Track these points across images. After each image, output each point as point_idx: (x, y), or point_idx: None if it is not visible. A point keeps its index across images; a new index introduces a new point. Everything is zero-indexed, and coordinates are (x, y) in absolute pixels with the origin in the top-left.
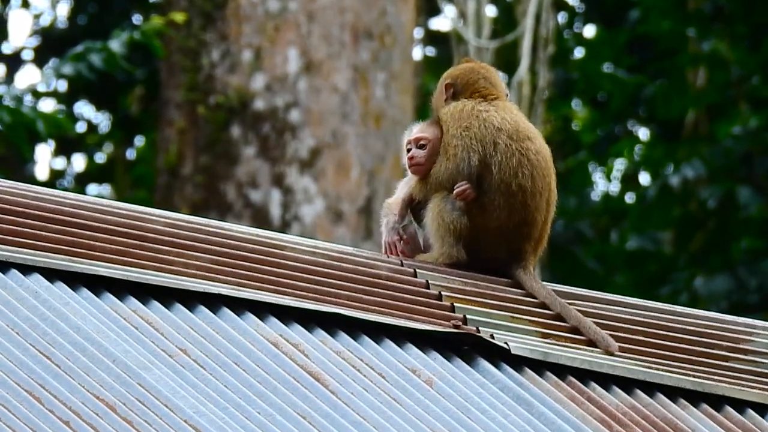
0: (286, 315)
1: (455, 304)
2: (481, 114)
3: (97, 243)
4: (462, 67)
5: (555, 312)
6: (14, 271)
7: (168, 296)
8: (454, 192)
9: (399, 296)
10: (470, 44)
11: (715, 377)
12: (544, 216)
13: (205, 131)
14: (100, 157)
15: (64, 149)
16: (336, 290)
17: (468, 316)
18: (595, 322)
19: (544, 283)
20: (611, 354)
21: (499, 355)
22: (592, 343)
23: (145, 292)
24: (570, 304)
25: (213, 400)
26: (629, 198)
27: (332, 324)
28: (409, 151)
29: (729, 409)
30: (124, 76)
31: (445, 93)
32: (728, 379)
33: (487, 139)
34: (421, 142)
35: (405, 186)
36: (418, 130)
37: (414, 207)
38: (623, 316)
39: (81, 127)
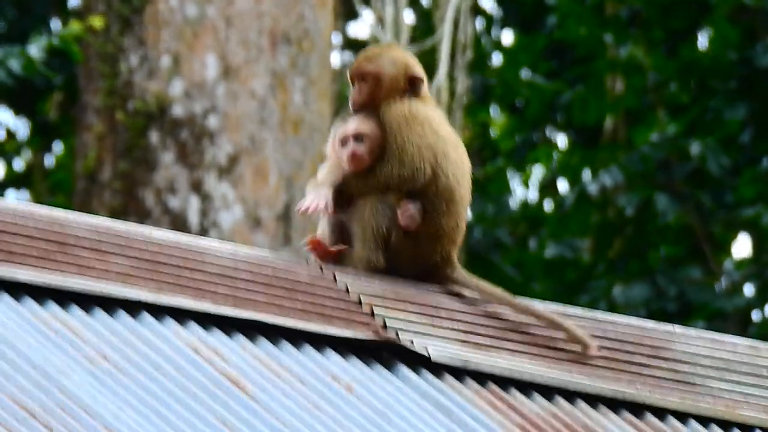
0: (206, 320)
1: (375, 309)
2: (432, 123)
3: (17, 248)
4: (414, 58)
5: (501, 302)
6: None
7: (88, 302)
8: (401, 219)
9: (319, 302)
10: None
11: (636, 384)
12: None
13: (123, 137)
14: (19, 164)
15: None
16: (255, 295)
17: (388, 322)
18: None
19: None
20: (589, 353)
21: (420, 362)
22: (517, 349)
23: (64, 298)
24: None
25: (132, 406)
26: (547, 205)
27: (252, 329)
28: (345, 144)
29: (649, 416)
30: (43, 81)
31: (408, 85)
32: (648, 386)
33: (439, 148)
34: (361, 136)
35: (331, 173)
36: (355, 123)
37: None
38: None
39: None
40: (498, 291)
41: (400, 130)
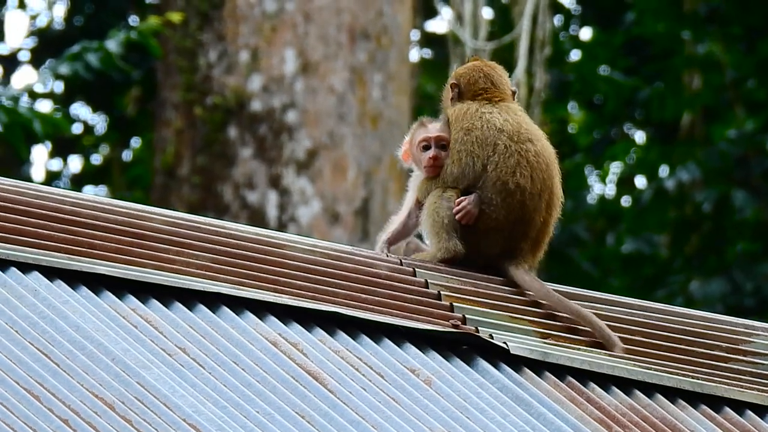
0: (285, 314)
1: (454, 303)
2: (484, 116)
3: (97, 241)
4: (467, 66)
5: (553, 306)
6: (13, 269)
7: (167, 295)
8: (457, 216)
9: (398, 295)
10: (467, 46)
11: (714, 378)
12: (543, 217)
13: (201, 132)
14: (97, 159)
15: (61, 150)
16: (335, 289)
17: (467, 316)
18: None
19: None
20: (613, 351)
21: (498, 355)
22: (595, 342)
23: (144, 291)
24: None
25: (212, 399)
26: (625, 201)
27: (331, 323)
28: (427, 149)
29: (728, 410)
30: (121, 76)
31: (450, 92)
32: (727, 380)
33: (489, 141)
34: (443, 143)
35: (404, 211)
36: (436, 128)
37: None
38: (622, 316)
39: (77, 129)
40: (538, 285)
41: (452, 130)
